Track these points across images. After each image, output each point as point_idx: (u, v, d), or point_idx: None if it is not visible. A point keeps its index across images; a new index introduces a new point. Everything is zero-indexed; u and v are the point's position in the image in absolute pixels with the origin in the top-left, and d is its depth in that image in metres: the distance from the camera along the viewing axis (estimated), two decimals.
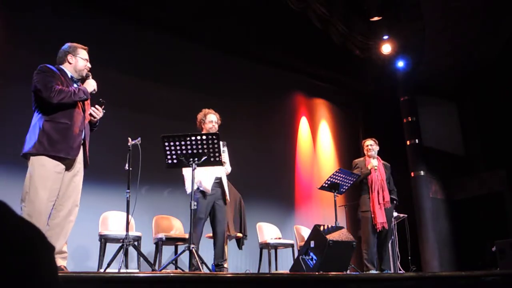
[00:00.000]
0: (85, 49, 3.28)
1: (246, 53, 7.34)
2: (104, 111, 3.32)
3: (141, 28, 6.29)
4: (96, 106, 3.20)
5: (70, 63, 3.19)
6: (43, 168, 2.88)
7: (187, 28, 6.71)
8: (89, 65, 3.27)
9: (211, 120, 4.28)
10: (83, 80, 3.26)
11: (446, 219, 8.52)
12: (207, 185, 4.09)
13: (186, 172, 4.12)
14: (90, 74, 3.27)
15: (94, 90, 3.19)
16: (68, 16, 5.57)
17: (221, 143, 3.86)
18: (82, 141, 3.10)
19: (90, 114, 3.18)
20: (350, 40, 7.89)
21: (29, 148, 2.91)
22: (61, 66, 3.18)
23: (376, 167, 5.20)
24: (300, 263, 4.20)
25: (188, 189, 4.06)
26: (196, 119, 4.38)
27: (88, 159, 3.19)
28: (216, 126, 4.29)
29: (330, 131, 8.57)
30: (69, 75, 3.17)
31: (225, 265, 4.22)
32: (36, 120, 2.98)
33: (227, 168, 4.26)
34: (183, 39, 6.71)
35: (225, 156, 4.11)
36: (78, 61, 3.20)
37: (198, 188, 4.04)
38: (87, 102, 3.22)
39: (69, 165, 3.02)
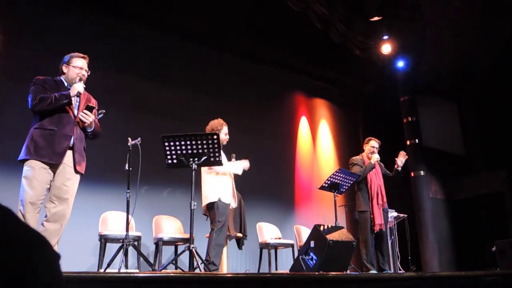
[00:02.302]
0: (83, 57, 3.35)
1: (246, 53, 7.34)
2: (101, 115, 3.35)
3: (141, 28, 6.29)
4: (85, 111, 3.18)
5: (64, 73, 3.31)
6: (30, 169, 3.01)
7: (187, 28, 6.71)
8: (84, 73, 3.30)
9: (226, 132, 4.39)
10: None
11: (446, 219, 8.52)
12: (232, 201, 4.26)
13: (207, 179, 4.16)
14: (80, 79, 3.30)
15: (79, 93, 3.17)
16: (69, 16, 5.57)
17: (233, 155, 4.34)
18: (71, 146, 3.12)
19: (80, 120, 3.20)
20: (350, 40, 7.88)
21: (20, 155, 3.07)
22: (60, 77, 3.31)
23: (379, 160, 5.23)
24: (300, 263, 4.20)
25: (210, 199, 4.10)
26: (208, 124, 4.41)
27: (77, 163, 3.14)
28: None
29: (330, 131, 8.57)
30: (65, 84, 3.29)
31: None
32: (31, 128, 3.14)
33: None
34: (183, 39, 6.70)
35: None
36: (70, 70, 3.29)
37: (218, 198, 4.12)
38: (80, 107, 3.23)
39: (56, 169, 3.08)
